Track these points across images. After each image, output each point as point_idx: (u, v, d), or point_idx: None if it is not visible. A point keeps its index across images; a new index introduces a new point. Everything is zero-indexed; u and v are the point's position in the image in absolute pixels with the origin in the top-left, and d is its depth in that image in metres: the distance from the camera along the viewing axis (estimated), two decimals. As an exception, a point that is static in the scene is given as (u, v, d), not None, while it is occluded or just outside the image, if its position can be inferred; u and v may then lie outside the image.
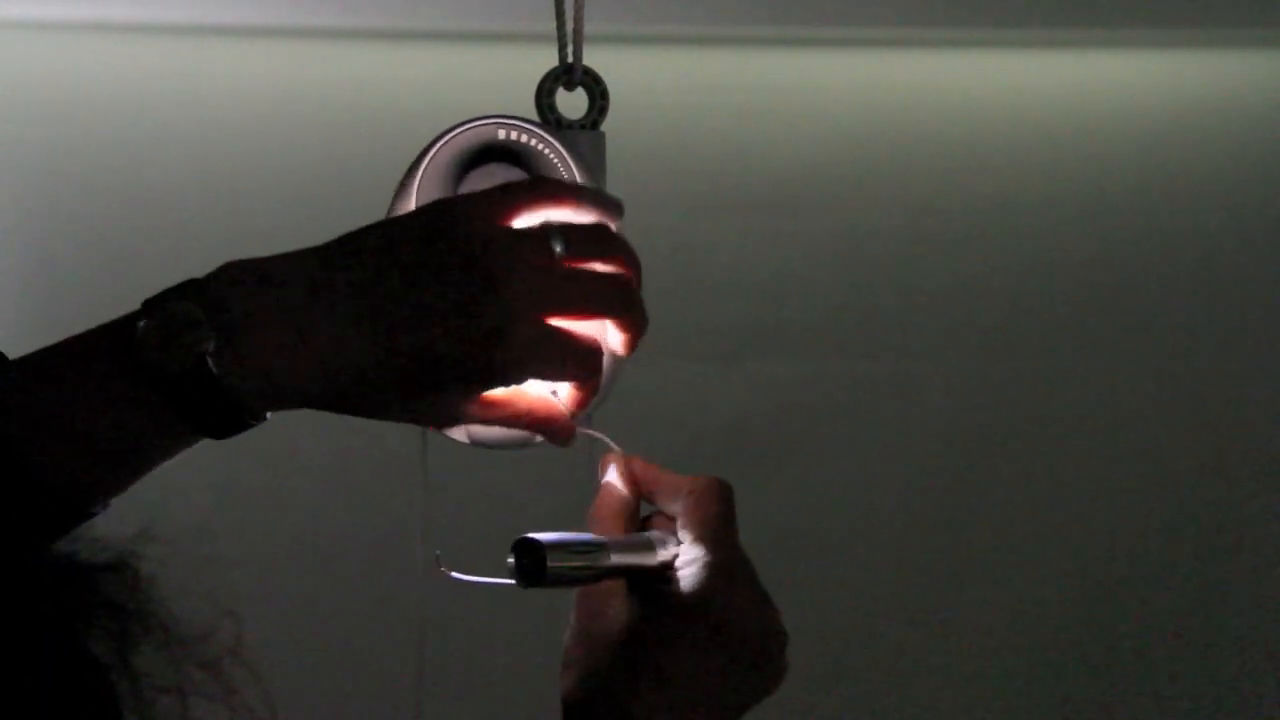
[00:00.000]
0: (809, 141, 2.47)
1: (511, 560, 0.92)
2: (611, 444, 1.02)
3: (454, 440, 1.03)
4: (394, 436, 1.04)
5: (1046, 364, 2.59)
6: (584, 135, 1.05)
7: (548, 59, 1.06)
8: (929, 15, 2.46)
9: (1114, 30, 2.57)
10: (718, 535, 0.96)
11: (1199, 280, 2.60)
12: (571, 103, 1.06)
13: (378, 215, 1.03)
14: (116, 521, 0.86)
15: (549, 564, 0.91)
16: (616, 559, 0.94)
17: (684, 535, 0.96)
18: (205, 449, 0.88)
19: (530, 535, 0.92)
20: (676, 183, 2.40)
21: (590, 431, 1.02)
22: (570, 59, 1.07)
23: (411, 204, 1.01)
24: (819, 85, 2.48)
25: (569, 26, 1.07)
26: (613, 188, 1.03)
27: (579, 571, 0.93)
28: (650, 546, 0.95)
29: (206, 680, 0.72)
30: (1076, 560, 2.59)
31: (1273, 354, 2.62)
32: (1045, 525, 2.59)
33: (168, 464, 0.87)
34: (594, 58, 1.07)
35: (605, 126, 1.06)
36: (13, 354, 0.83)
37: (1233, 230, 2.61)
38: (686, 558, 0.95)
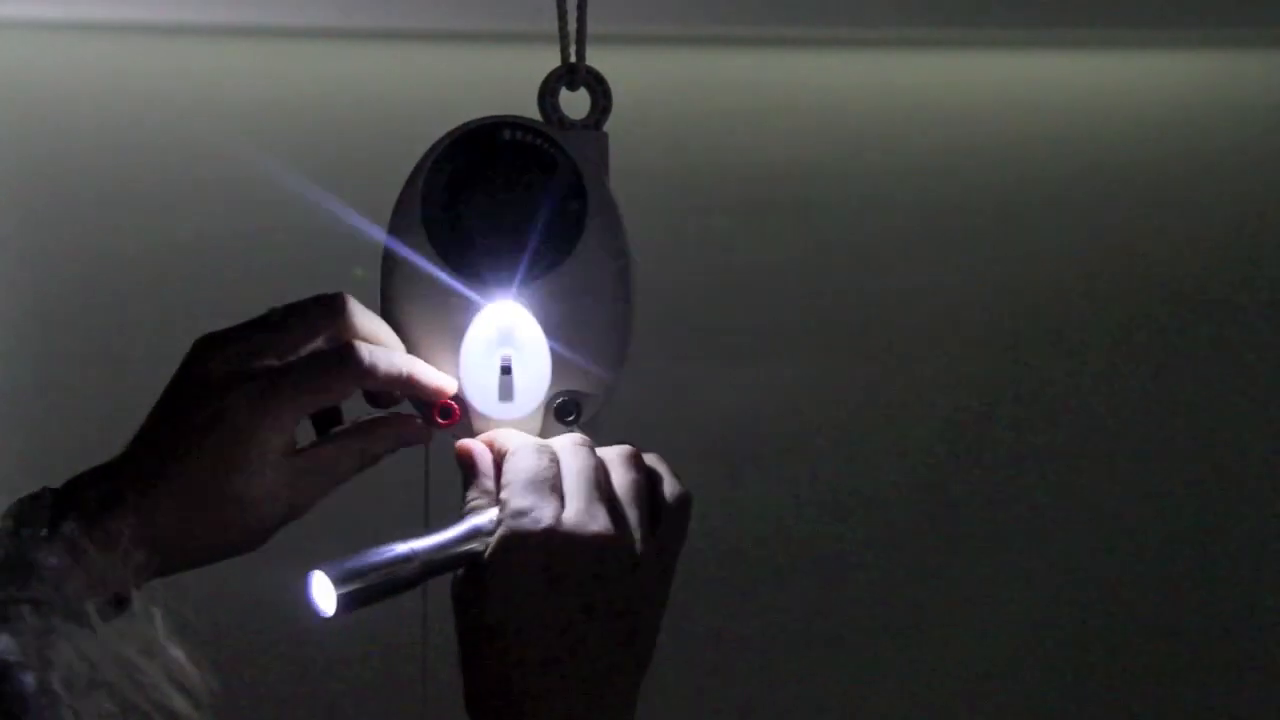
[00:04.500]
0: (813, 142, 2.47)
1: (312, 595, 0.91)
2: (586, 440, 1.02)
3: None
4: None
5: (1046, 364, 2.59)
6: (587, 135, 1.05)
7: (550, 59, 1.06)
8: (929, 15, 2.46)
9: (1114, 30, 2.58)
10: (510, 491, 0.94)
11: (1199, 279, 2.60)
12: (574, 103, 1.06)
13: (383, 215, 1.04)
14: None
15: (338, 592, 0.89)
16: (428, 559, 0.92)
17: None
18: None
19: (319, 567, 0.90)
20: (680, 182, 2.40)
21: (574, 431, 1.02)
22: (573, 59, 1.07)
23: (418, 203, 1.02)
24: (823, 85, 2.48)
25: (572, 27, 1.07)
26: (621, 187, 1.03)
27: (376, 590, 0.90)
28: (478, 533, 0.93)
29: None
30: (1076, 559, 2.59)
31: (1273, 353, 2.62)
32: (1045, 524, 2.59)
33: None
34: (597, 58, 1.07)
35: (608, 126, 1.06)
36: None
37: (1233, 230, 2.61)
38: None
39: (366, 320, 0.98)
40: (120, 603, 0.76)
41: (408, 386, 0.99)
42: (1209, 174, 2.60)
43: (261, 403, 0.93)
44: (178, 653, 0.69)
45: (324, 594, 0.89)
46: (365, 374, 0.96)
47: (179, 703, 0.68)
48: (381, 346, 0.99)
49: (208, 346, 0.95)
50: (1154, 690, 2.60)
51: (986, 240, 2.55)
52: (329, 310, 0.97)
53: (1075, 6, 2.43)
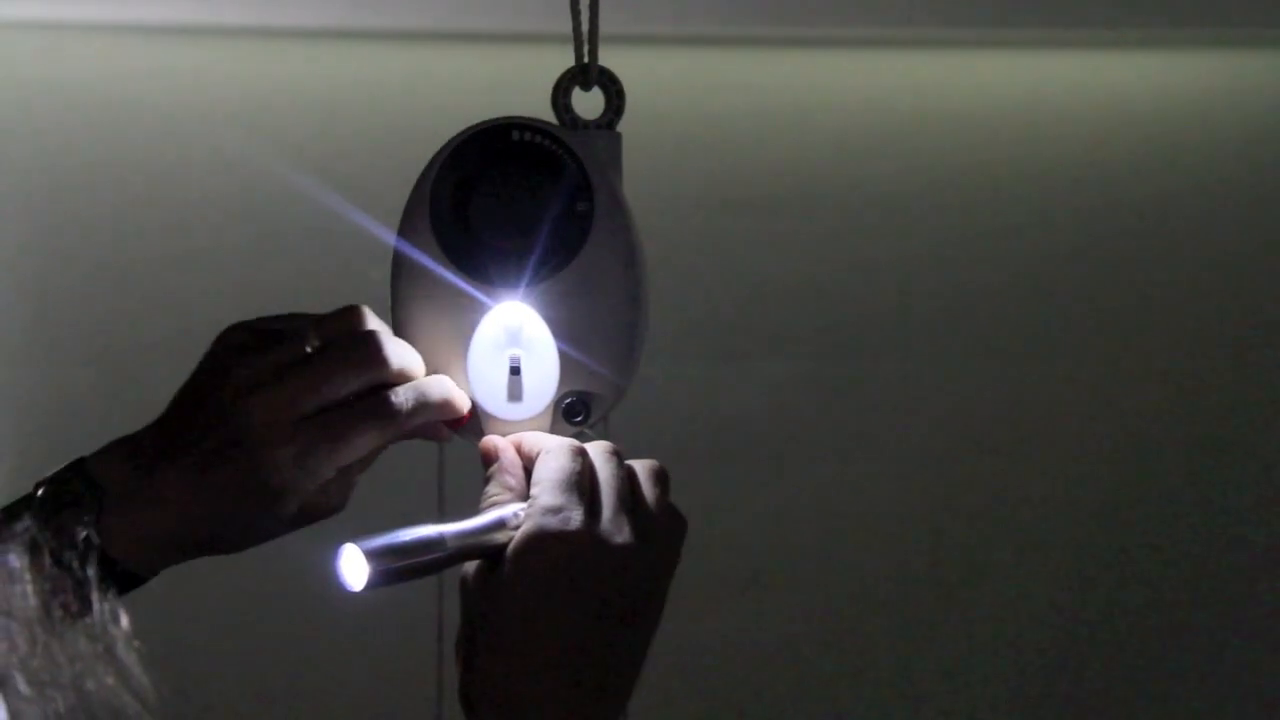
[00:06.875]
0: (826, 142, 2.47)
1: (340, 568, 0.91)
2: (616, 448, 1.02)
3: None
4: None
5: (1046, 364, 2.59)
6: (600, 135, 1.05)
7: (564, 59, 1.07)
8: (929, 15, 2.46)
9: (1114, 30, 2.58)
10: (542, 489, 0.94)
11: (1199, 280, 2.60)
12: (588, 103, 1.06)
13: (392, 218, 1.04)
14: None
15: (370, 568, 0.89)
16: (457, 544, 0.92)
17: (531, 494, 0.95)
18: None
19: (353, 541, 0.90)
20: (694, 182, 2.40)
21: (583, 430, 1.02)
22: (586, 59, 1.07)
23: (427, 204, 1.02)
24: (836, 86, 2.48)
25: (585, 27, 1.07)
26: (629, 187, 1.03)
27: (407, 569, 0.91)
28: (501, 525, 0.93)
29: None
30: (1076, 561, 2.59)
31: (1275, 354, 2.62)
32: (1044, 525, 2.59)
33: None
34: (610, 58, 1.07)
35: (621, 126, 1.06)
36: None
37: (1233, 231, 2.61)
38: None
39: (394, 353, 0.99)
40: (83, 603, 0.76)
41: (442, 413, 1.00)
42: (1212, 174, 2.60)
43: (302, 466, 0.96)
44: (132, 657, 0.70)
45: (354, 568, 0.89)
46: (404, 423, 0.98)
47: (130, 706, 0.68)
48: (409, 384, 0.99)
49: (238, 367, 0.97)
50: (1155, 692, 2.61)
51: (987, 239, 2.55)
52: (367, 358, 0.98)
53: (1076, 6, 2.44)
